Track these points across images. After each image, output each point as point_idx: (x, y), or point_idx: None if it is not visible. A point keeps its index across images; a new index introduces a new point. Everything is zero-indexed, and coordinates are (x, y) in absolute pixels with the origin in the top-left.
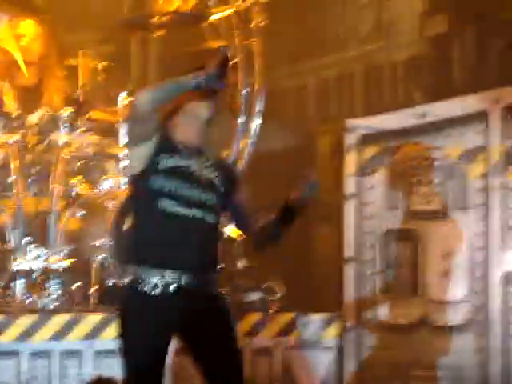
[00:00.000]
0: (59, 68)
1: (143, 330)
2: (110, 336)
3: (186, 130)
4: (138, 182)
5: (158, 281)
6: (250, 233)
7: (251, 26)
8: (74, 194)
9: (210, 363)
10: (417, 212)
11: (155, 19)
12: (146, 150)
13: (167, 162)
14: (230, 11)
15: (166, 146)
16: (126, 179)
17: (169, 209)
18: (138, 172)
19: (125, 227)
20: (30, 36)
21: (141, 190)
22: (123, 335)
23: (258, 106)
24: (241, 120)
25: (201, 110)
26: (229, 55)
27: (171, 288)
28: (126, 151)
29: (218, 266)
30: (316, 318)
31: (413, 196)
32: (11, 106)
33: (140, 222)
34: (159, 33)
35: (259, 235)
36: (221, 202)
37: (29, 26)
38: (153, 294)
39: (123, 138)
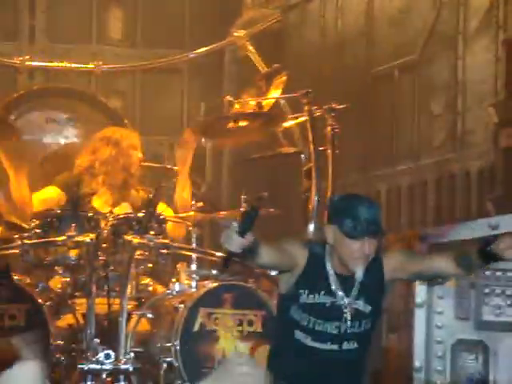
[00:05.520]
0: (139, 169)
1: None
2: None
3: (339, 263)
4: (282, 303)
5: None
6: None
7: (325, 132)
8: (144, 295)
9: None
10: (488, 323)
11: (230, 124)
12: (286, 277)
13: (308, 297)
14: (304, 118)
15: (310, 280)
16: (195, 283)
17: (303, 341)
18: (282, 293)
19: None
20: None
21: (282, 313)
22: None
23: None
24: (312, 227)
25: (355, 269)
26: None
27: None
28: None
29: None
30: None
31: (484, 307)
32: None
33: (276, 344)
34: (233, 137)
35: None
36: (367, 322)
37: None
38: None
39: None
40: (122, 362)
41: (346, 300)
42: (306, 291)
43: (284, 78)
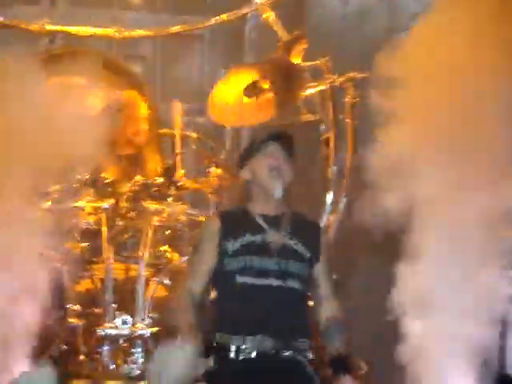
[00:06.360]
0: (157, 136)
1: None
2: None
3: (263, 202)
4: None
5: (241, 347)
6: (315, 317)
7: (345, 101)
8: (162, 261)
9: None
10: None
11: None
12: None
13: (234, 245)
14: (324, 86)
15: (231, 228)
16: None
17: (244, 281)
18: None
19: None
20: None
21: (217, 271)
22: None
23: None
24: (331, 196)
25: (274, 188)
26: None
27: (253, 353)
28: None
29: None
30: None
31: None
32: (108, 173)
33: (220, 295)
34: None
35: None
36: (307, 266)
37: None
38: (235, 358)
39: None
40: (139, 327)
41: (276, 235)
42: (232, 240)
43: (304, 45)
